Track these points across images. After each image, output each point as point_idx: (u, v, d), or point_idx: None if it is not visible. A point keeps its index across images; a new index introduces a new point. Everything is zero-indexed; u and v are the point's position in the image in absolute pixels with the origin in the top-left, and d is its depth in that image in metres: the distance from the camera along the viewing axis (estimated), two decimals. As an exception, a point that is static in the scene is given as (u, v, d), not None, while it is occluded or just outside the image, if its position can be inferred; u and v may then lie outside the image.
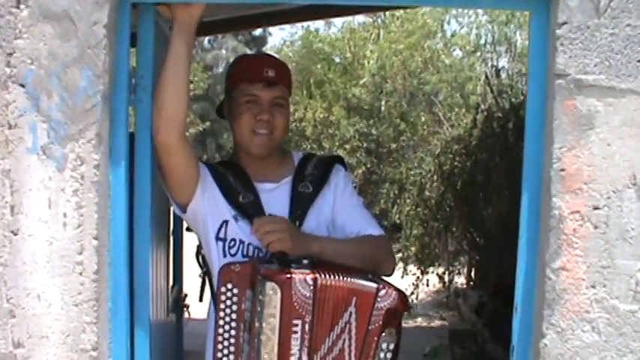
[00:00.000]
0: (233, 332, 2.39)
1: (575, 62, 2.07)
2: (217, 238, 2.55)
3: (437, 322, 9.28)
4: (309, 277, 2.29)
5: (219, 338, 2.40)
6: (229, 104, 2.65)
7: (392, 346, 2.38)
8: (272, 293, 2.26)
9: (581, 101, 2.07)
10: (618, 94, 2.07)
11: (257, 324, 2.28)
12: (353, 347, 2.35)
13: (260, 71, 2.56)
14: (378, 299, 2.34)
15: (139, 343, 2.43)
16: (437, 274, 9.49)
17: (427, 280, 9.41)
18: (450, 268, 9.44)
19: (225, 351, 2.40)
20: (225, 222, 2.54)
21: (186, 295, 3.89)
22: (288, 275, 2.28)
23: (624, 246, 2.07)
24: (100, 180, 2.18)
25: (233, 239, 2.54)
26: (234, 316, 2.39)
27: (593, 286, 2.08)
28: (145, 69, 2.42)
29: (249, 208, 2.53)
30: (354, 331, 2.34)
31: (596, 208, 2.07)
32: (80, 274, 2.17)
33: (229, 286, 2.39)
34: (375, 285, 2.36)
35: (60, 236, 2.16)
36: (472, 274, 9.54)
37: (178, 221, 4.04)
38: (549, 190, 2.09)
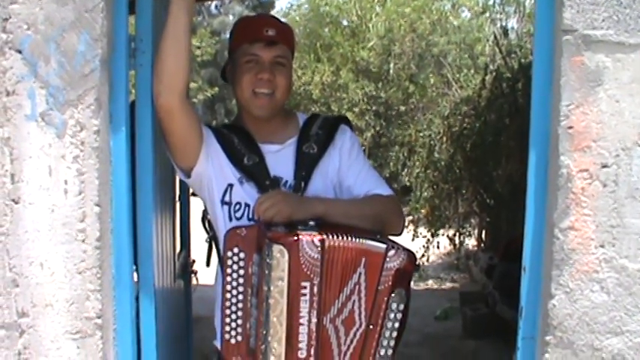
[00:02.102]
0: (241, 297, 2.38)
1: (582, 17, 2.02)
2: (223, 202, 2.53)
3: (448, 285, 9.30)
4: (317, 239, 2.26)
5: (227, 303, 2.39)
6: (232, 66, 2.62)
7: (402, 307, 2.35)
8: (279, 256, 2.23)
9: (589, 57, 2.03)
10: (627, 50, 2.02)
11: (265, 287, 2.26)
12: (363, 308, 2.33)
13: (260, 31, 2.53)
14: (388, 259, 2.32)
15: (144, 309, 2.43)
16: (447, 236, 9.48)
17: (438, 242, 9.41)
18: (461, 230, 9.43)
19: (233, 316, 2.39)
20: (230, 185, 2.52)
21: (194, 261, 3.88)
22: (295, 237, 2.25)
23: (634, 204, 2.04)
24: (101, 146, 2.16)
25: (238, 202, 2.52)
26: (241, 280, 2.37)
27: (602, 246, 2.06)
28: (144, 32, 2.39)
29: (254, 170, 2.51)
30: (363, 292, 2.32)
31: (604, 166, 2.03)
32: (83, 241, 2.15)
33: (236, 250, 2.37)
34: (384, 245, 2.33)
35: (61, 203, 2.14)
36: (483, 235, 9.53)
37: (185, 187, 4.01)
38: (557, 149, 2.05)
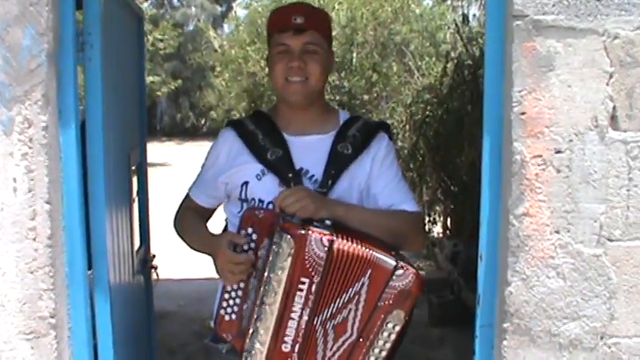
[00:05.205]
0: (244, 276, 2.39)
1: (533, 2, 2.01)
2: (239, 199, 2.56)
3: (414, 273, 9.29)
4: (326, 238, 2.25)
5: None
6: (268, 57, 2.66)
7: (398, 328, 2.33)
8: (286, 246, 2.24)
9: (540, 43, 2.02)
10: (578, 35, 2.02)
11: (266, 273, 2.27)
12: (357, 319, 2.32)
13: (288, 19, 2.53)
14: (394, 278, 2.30)
15: (99, 307, 2.40)
16: (413, 224, 9.47)
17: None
18: (427, 218, 9.43)
19: (233, 293, 2.41)
20: (245, 183, 2.54)
21: (154, 256, 3.85)
22: (305, 232, 2.25)
23: (588, 189, 2.04)
24: (50, 142, 2.12)
25: (253, 199, 2.53)
26: None
27: (557, 232, 2.06)
28: (92, 25, 2.35)
29: (277, 164, 2.51)
30: (362, 304, 2.31)
31: (558, 152, 2.03)
32: (34, 239, 2.12)
33: (250, 230, 2.39)
34: (393, 262, 2.30)
35: (11, 202, 2.10)
36: (448, 223, 9.55)
37: (144, 182, 3.99)
38: (510, 135, 2.05)
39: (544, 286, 2.08)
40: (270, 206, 2.47)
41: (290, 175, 2.48)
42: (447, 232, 9.40)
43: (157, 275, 3.88)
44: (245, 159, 2.55)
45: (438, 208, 9.59)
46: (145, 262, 3.74)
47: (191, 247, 2.68)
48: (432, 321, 6.96)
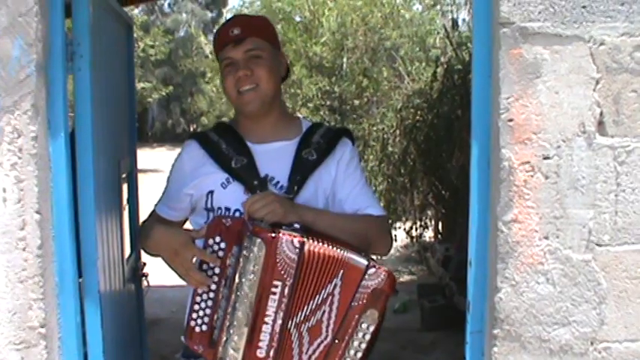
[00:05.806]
0: (214, 287, 2.38)
1: (519, 10, 2.03)
2: (205, 209, 2.56)
3: (406, 277, 9.31)
4: (297, 240, 2.26)
5: (199, 290, 2.40)
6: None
7: (372, 328, 2.33)
8: (257, 250, 2.24)
9: (527, 50, 2.03)
10: (564, 41, 2.03)
11: (237, 279, 2.27)
12: (332, 321, 2.32)
13: (226, 34, 2.57)
14: (366, 277, 2.30)
15: (89, 316, 2.40)
16: (404, 229, 9.49)
17: (395, 235, 9.39)
18: (418, 223, 9.44)
19: (203, 304, 2.39)
20: (210, 192, 2.54)
21: (144, 264, 3.84)
22: (276, 234, 2.26)
23: (576, 195, 2.05)
24: (39, 152, 2.13)
25: (219, 207, 2.54)
26: (217, 270, 2.37)
27: (546, 237, 2.07)
28: (81, 35, 2.35)
29: (241, 172, 2.51)
30: (335, 304, 2.31)
31: (546, 158, 2.05)
32: (23, 249, 2.12)
33: (217, 239, 2.37)
34: (365, 262, 2.31)
35: (0, 212, 2.10)
36: (439, 227, 9.56)
37: (134, 189, 3.98)
38: (498, 142, 2.06)
39: (534, 292, 2.08)
40: (237, 214, 2.48)
41: (255, 182, 2.49)
42: (439, 236, 9.41)
43: (148, 283, 3.87)
44: (209, 169, 2.55)
45: (429, 212, 9.60)
46: (136, 270, 3.74)
47: (147, 250, 2.63)
48: (424, 326, 6.96)
